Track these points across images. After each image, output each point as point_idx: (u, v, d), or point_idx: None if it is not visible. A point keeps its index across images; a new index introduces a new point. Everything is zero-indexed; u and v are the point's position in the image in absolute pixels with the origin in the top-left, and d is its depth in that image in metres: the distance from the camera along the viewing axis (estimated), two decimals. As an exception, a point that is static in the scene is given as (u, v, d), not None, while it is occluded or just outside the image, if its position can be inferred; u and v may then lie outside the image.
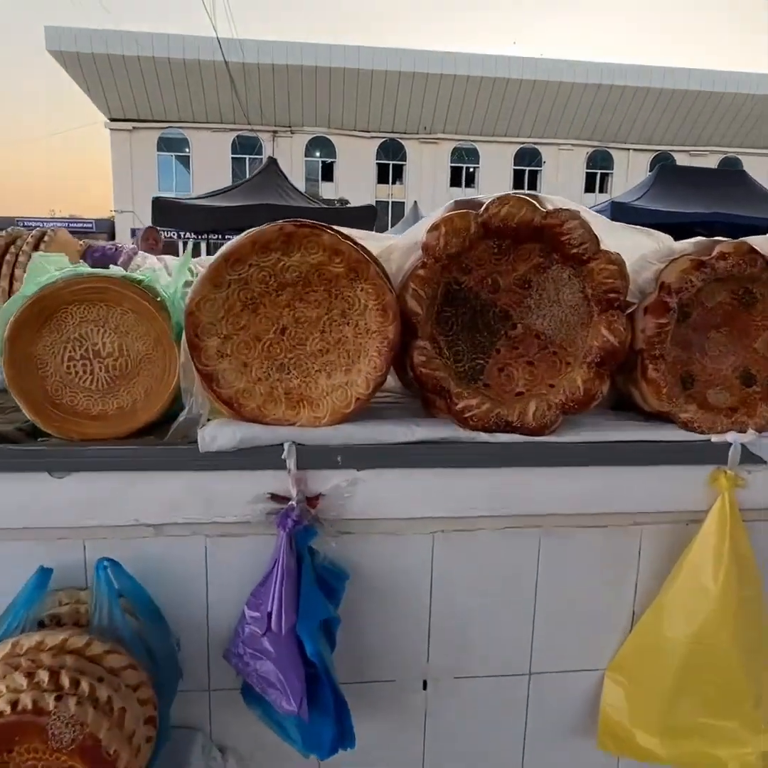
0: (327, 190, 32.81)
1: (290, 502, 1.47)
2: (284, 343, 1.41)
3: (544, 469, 1.48)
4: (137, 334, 1.57)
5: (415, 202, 20.36)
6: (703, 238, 1.67)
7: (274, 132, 33.09)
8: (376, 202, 34.21)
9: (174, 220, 11.63)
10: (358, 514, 1.53)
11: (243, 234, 1.42)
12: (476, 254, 1.47)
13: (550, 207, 1.44)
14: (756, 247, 1.42)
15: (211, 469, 1.46)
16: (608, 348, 1.50)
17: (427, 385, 1.54)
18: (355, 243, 1.39)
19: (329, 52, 30.96)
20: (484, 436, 1.44)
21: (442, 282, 1.46)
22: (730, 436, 1.45)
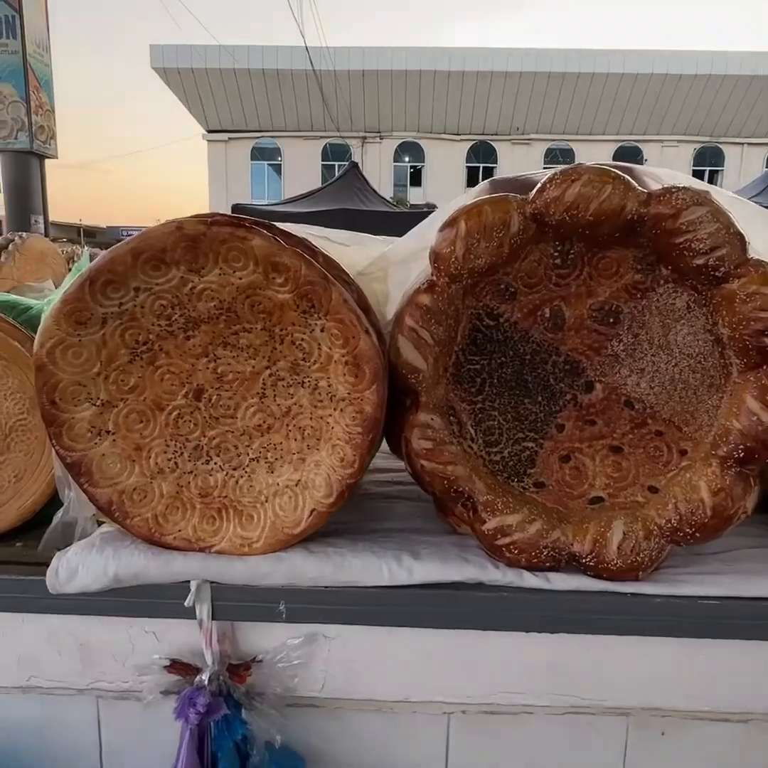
0: (415, 196, 32.52)
1: (200, 676, 0.92)
2: (200, 415, 0.98)
3: (634, 640, 0.98)
4: (6, 390, 1.06)
5: None
6: None
7: (363, 138, 33.34)
8: None
9: (253, 227, 11.84)
10: (318, 691, 0.97)
11: (123, 241, 0.87)
12: (524, 268, 0.99)
13: (653, 185, 0.96)
14: None
15: (81, 612, 0.93)
16: (759, 434, 0.89)
17: (436, 487, 0.95)
18: (309, 250, 0.82)
19: (419, 55, 30.78)
20: (531, 580, 0.97)
21: (466, 315, 1.01)
22: None
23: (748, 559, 1.03)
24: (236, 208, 11.10)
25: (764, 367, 0.90)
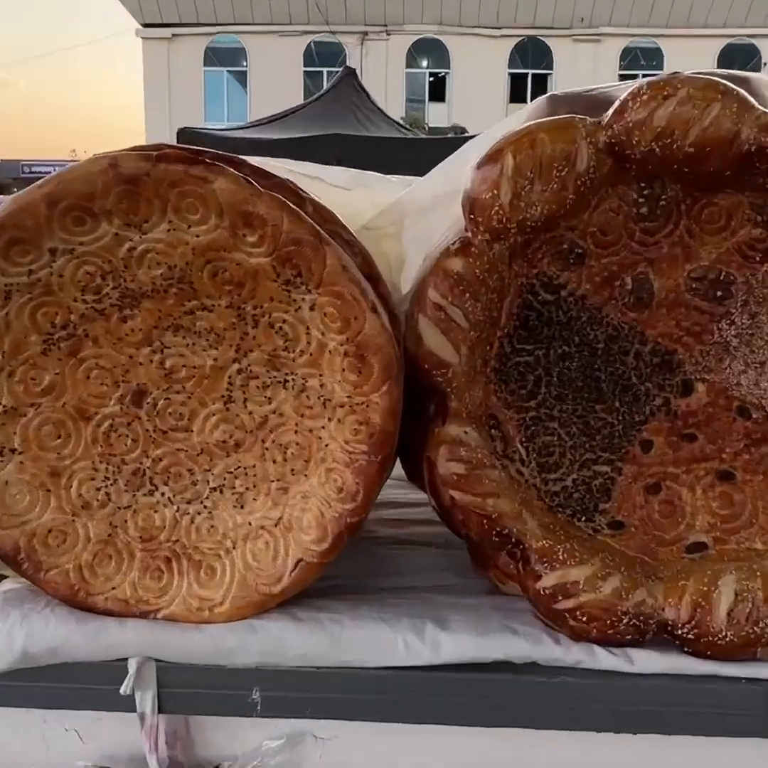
0: (437, 115, 32.08)
1: (140, 793, 0.95)
2: (141, 427, 1.01)
3: (751, 743, 0.99)
4: None
5: None
6: None
7: (364, 34, 33.25)
8: None
9: (205, 159, 11.80)
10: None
11: (34, 185, 0.89)
12: (595, 220, 1.01)
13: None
14: None
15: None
16: None
17: (472, 529, 0.99)
18: (295, 196, 0.95)
19: None
20: (606, 659, 0.99)
21: (514, 286, 1.03)
22: None
23: None
24: (184, 134, 11.11)
25: None
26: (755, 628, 0.95)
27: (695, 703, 0.97)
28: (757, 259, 1.01)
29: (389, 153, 9.99)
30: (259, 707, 0.99)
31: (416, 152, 9.61)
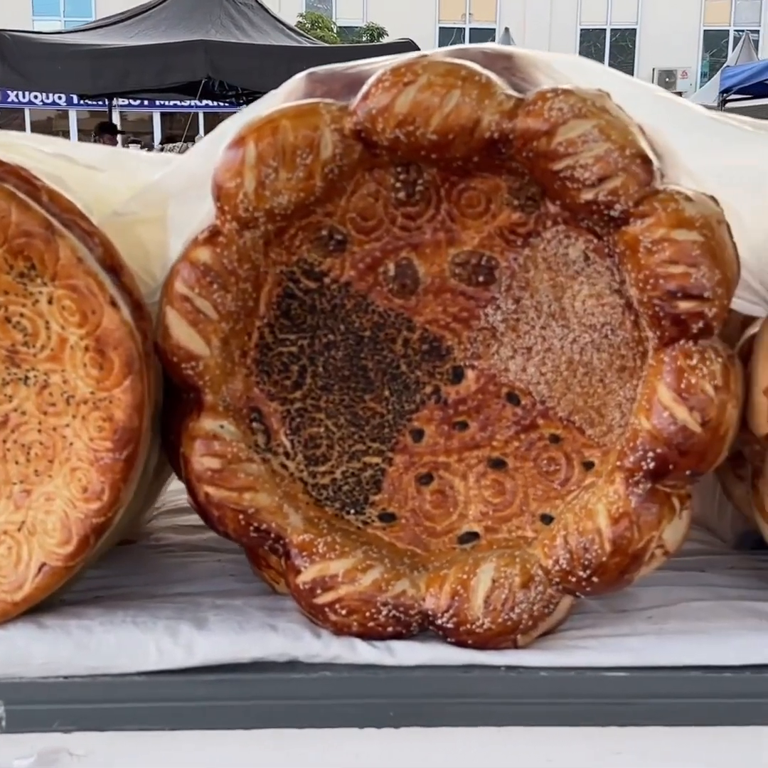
0: (349, 11, 30.46)
1: None
2: None
3: (513, 732, 1.15)
4: None
5: (507, 29, 19.26)
6: None
7: None
8: (440, 30, 31.61)
9: (34, 74, 10.53)
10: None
11: None
12: (354, 206, 1.15)
13: (547, 84, 1.10)
14: None
15: None
16: (674, 438, 1.07)
17: (229, 526, 1.11)
18: (27, 184, 1.04)
19: None
20: (367, 652, 1.11)
21: (272, 275, 1.16)
22: None
23: (685, 615, 1.19)
24: (1, 41, 10.03)
25: (681, 343, 1.09)
26: (512, 615, 1.08)
27: (455, 693, 1.09)
28: (519, 243, 1.12)
29: (277, 66, 9.05)
30: (3, 723, 1.05)
31: (298, 61, 8.29)
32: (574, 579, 1.10)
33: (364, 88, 1.07)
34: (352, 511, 1.18)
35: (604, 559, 1.09)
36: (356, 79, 1.13)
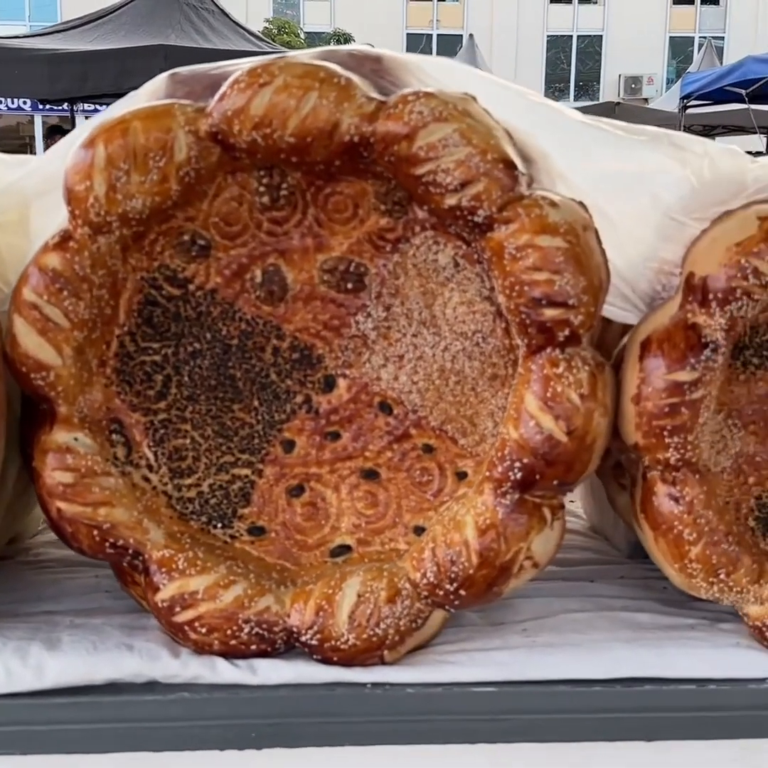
0: (317, 16, 30.65)
1: None
2: None
3: (380, 751, 1.13)
4: None
5: (471, 36, 19.41)
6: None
7: None
8: (407, 36, 31.76)
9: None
10: None
11: None
12: (217, 210, 1.13)
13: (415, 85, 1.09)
14: None
15: None
16: (540, 447, 1.07)
17: (83, 542, 1.08)
18: None
19: None
20: (228, 672, 1.10)
21: (132, 281, 1.14)
22: None
23: (560, 628, 1.19)
24: None
25: (547, 351, 1.08)
26: (377, 630, 1.06)
27: (320, 712, 1.07)
28: (388, 249, 1.11)
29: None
30: None
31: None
32: (441, 592, 1.09)
33: (221, 90, 1.05)
34: (220, 524, 1.16)
35: (471, 571, 1.08)
36: (219, 80, 1.11)
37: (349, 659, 1.09)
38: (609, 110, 13.23)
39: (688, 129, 13.75)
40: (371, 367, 1.16)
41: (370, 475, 1.17)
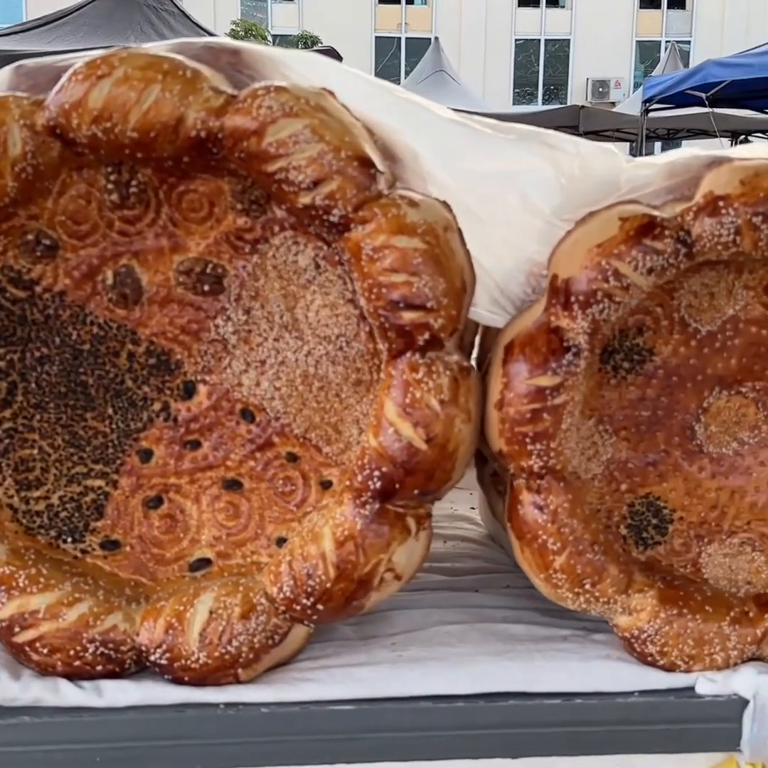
0: (284, 20, 30.75)
1: None
2: None
3: None
4: None
5: (437, 38, 19.52)
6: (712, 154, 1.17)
7: None
8: (376, 39, 32.21)
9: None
10: None
11: None
12: (63, 208, 1.09)
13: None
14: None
15: None
16: (399, 455, 1.03)
17: None
18: None
19: None
20: (71, 695, 1.06)
21: None
22: (749, 678, 1.14)
23: (430, 641, 1.16)
24: None
25: (407, 356, 1.04)
26: (230, 648, 1.03)
27: (169, 736, 1.03)
28: (247, 250, 1.07)
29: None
30: None
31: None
32: (299, 607, 1.06)
33: (59, 82, 1.00)
34: (70, 539, 1.12)
35: (328, 585, 1.05)
36: (64, 72, 1.05)
37: (200, 678, 1.06)
38: (573, 114, 13.29)
39: (652, 133, 13.82)
40: (232, 373, 1.13)
41: (232, 485, 1.13)
